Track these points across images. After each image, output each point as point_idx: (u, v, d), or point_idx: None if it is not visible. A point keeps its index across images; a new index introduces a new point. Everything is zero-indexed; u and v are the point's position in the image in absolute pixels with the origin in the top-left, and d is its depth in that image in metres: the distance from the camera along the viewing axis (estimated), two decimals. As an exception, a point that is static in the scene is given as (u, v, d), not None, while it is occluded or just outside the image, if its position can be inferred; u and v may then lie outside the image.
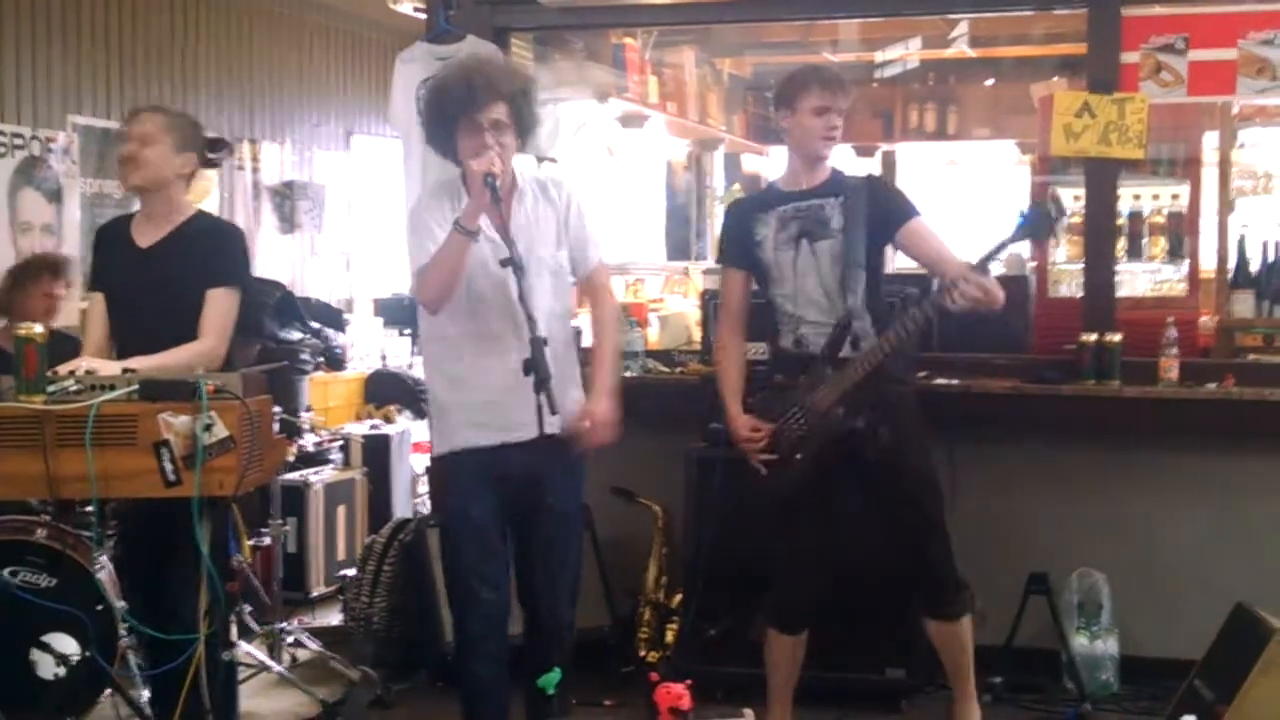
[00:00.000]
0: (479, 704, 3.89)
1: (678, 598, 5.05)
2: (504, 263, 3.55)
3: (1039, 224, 3.79)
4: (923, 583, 4.13)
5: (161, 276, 3.93)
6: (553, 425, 3.60)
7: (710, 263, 7.72)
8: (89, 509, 3.93)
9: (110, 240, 4.12)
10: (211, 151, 4.16)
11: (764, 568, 4.25)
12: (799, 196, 4.09)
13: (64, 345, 4.18)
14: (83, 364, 3.68)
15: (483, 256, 3.67)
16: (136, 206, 4.17)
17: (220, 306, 3.92)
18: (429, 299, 3.69)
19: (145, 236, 4.02)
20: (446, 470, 3.88)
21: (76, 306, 6.62)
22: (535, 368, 3.44)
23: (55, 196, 6.67)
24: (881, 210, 4.04)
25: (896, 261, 5.11)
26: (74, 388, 3.54)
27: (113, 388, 3.53)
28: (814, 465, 3.99)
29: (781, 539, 4.16)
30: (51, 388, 3.54)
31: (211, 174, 7.65)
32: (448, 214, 3.70)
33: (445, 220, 3.67)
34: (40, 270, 5.27)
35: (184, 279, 3.91)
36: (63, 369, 3.63)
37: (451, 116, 3.72)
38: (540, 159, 6.03)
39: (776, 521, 4.14)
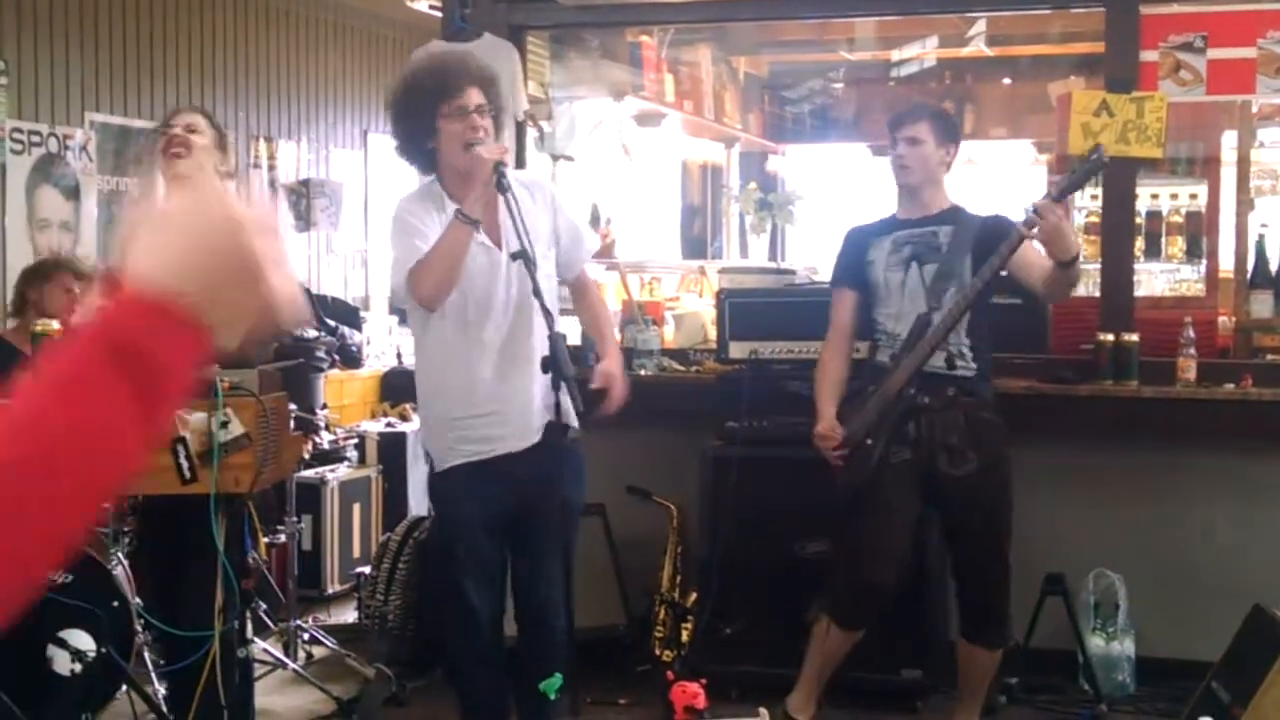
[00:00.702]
0: (478, 714, 3.89)
1: (693, 596, 5.05)
2: (515, 255, 3.49)
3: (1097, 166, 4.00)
4: (974, 610, 4.15)
5: None
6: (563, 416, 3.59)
7: (725, 261, 7.73)
8: (105, 505, 3.95)
9: None
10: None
11: (832, 560, 4.34)
12: (915, 224, 4.20)
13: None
14: None
15: (481, 269, 3.61)
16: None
17: None
18: (427, 294, 3.55)
19: None
20: (444, 482, 3.80)
21: (93, 304, 6.65)
22: (555, 364, 3.40)
23: (73, 194, 6.69)
24: (992, 235, 4.07)
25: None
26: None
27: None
28: (887, 453, 4.04)
29: (847, 533, 4.19)
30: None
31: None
32: (434, 217, 3.62)
33: (432, 222, 3.60)
34: (63, 267, 5.28)
35: None
36: None
37: (430, 108, 3.60)
38: (557, 158, 6.03)
39: (850, 516, 4.16)
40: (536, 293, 3.48)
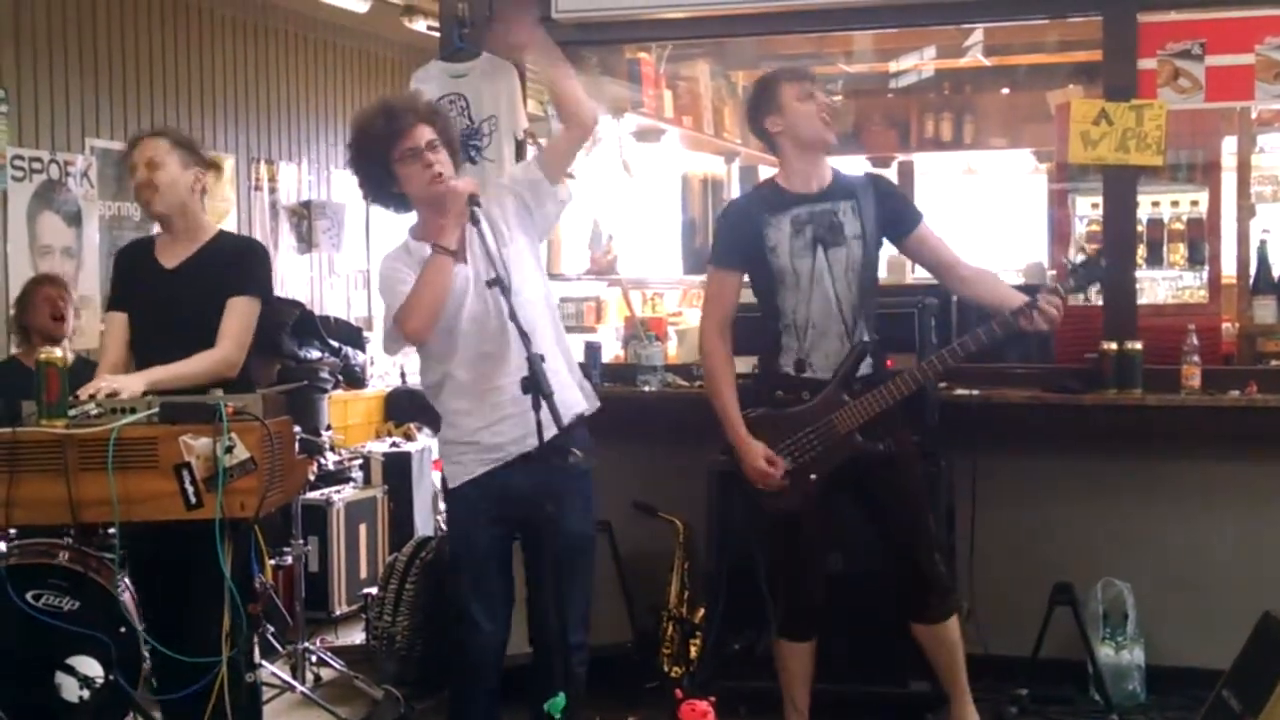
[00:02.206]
0: None
1: (700, 612, 5.04)
2: (490, 283, 3.54)
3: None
4: (909, 586, 4.09)
5: (189, 297, 3.95)
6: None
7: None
8: (111, 531, 3.94)
9: (133, 261, 4.12)
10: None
11: (770, 579, 4.22)
12: (810, 200, 4.02)
13: (87, 371, 4.19)
14: (103, 384, 3.68)
15: (459, 291, 3.68)
16: (154, 228, 4.18)
17: (239, 314, 3.93)
18: (414, 328, 3.64)
19: (170, 257, 4.04)
20: (453, 502, 3.90)
21: (96, 329, 6.66)
22: (535, 385, 3.40)
23: (74, 219, 6.70)
24: (891, 214, 4.03)
25: (916, 271, 5.09)
26: (95, 411, 3.55)
27: (133, 411, 3.54)
28: (824, 483, 4.00)
29: (784, 549, 4.13)
30: (73, 412, 3.55)
31: (230, 194, 7.70)
32: (407, 262, 3.73)
33: (409, 268, 3.70)
34: (41, 281, 5.42)
35: (210, 298, 3.93)
36: (84, 390, 3.64)
37: (382, 154, 3.69)
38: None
39: (779, 532, 4.11)
40: (513, 317, 3.51)
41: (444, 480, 4.03)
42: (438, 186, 3.65)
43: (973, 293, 4.11)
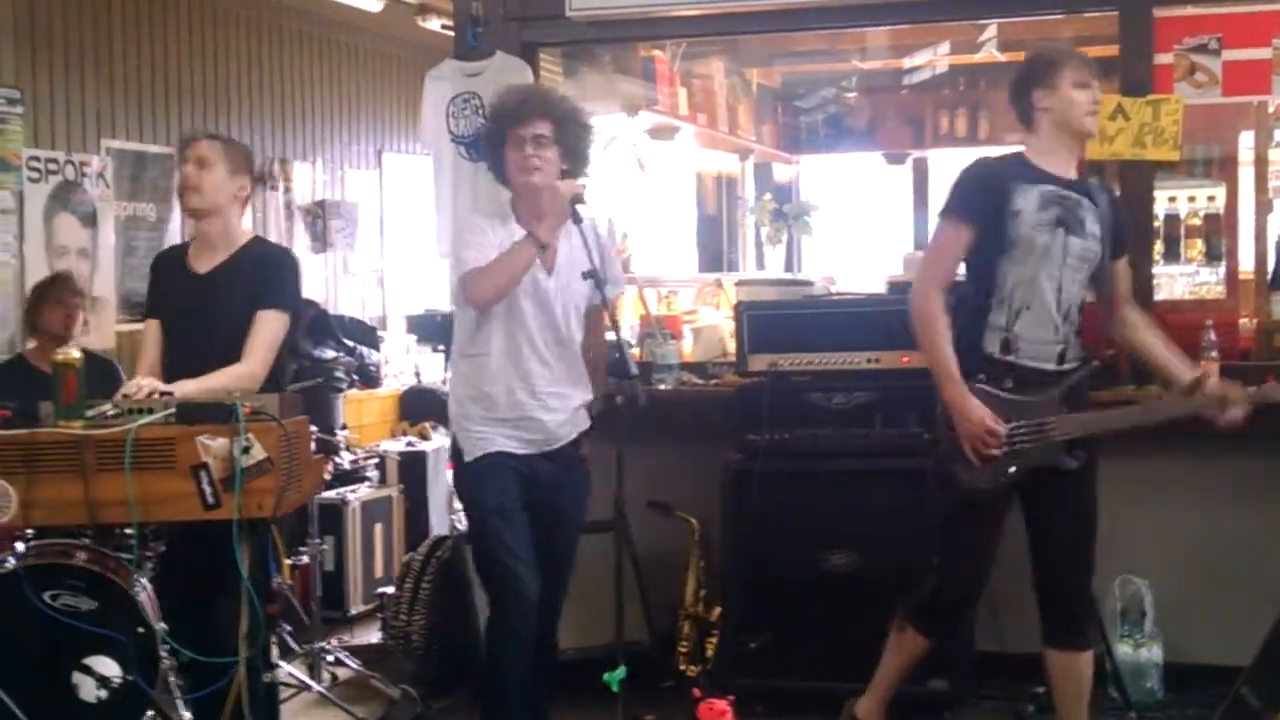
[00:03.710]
0: (509, 709, 3.91)
1: (717, 611, 5.03)
2: (586, 275, 3.80)
3: None
4: (1059, 607, 3.94)
5: (219, 303, 3.96)
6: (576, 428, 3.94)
7: (742, 274, 7.71)
8: (128, 531, 3.95)
9: (167, 267, 4.15)
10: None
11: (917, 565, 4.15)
12: (1061, 183, 3.86)
13: (101, 369, 4.21)
14: (144, 383, 3.70)
15: (528, 288, 3.86)
16: (170, 227, 4.20)
17: (267, 329, 3.93)
18: (483, 297, 3.81)
19: (202, 263, 4.04)
20: (480, 469, 3.92)
21: (112, 330, 6.68)
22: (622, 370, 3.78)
23: (90, 220, 6.72)
24: (1118, 231, 3.96)
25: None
26: (112, 412, 3.56)
27: (150, 411, 3.55)
28: (1013, 480, 3.86)
29: (952, 538, 3.99)
30: (90, 412, 3.56)
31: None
32: (497, 229, 3.88)
33: (490, 230, 3.88)
34: (59, 284, 5.49)
35: (241, 305, 3.94)
36: (130, 387, 3.67)
37: (500, 132, 3.90)
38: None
39: (952, 518, 3.96)
40: (605, 303, 3.89)
41: (456, 451, 4.04)
42: (523, 177, 3.86)
43: (1137, 340, 4.03)
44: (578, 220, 3.79)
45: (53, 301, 5.34)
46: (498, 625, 3.92)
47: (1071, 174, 3.92)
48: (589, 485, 4.08)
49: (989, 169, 3.98)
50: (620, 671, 3.69)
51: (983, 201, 3.85)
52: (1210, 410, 3.81)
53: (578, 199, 3.80)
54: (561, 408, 3.94)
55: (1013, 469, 3.82)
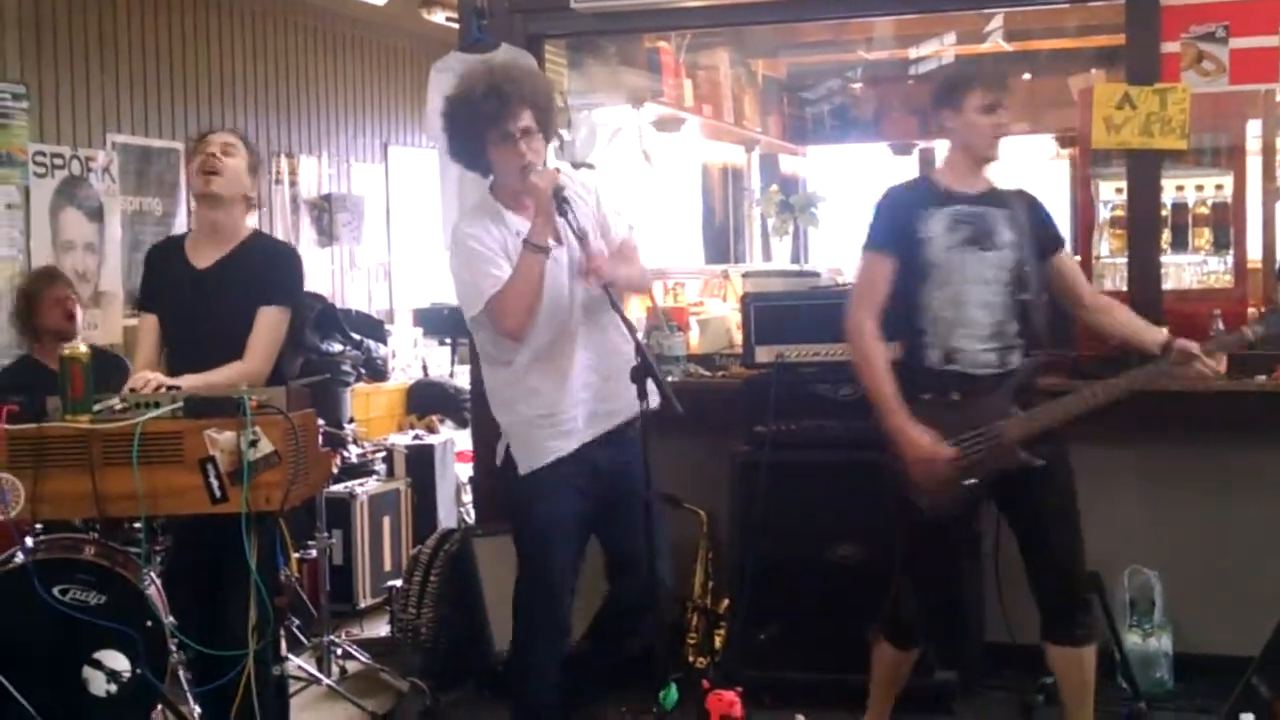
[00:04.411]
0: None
1: (725, 603, 5.03)
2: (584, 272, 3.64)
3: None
4: (1059, 604, 3.92)
5: (218, 298, 3.92)
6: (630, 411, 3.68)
7: (749, 265, 7.70)
8: (137, 525, 3.95)
9: (164, 261, 4.08)
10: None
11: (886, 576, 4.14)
12: (969, 200, 3.93)
13: (108, 364, 4.20)
14: (150, 377, 3.69)
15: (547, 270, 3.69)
16: (176, 222, 4.18)
17: (269, 326, 3.91)
18: (514, 327, 3.64)
19: (202, 257, 4.00)
20: (533, 483, 3.78)
21: (119, 324, 6.68)
22: (648, 371, 3.52)
23: (96, 215, 6.71)
24: (1041, 231, 3.97)
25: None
26: (119, 406, 3.56)
27: (158, 405, 3.55)
28: (977, 492, 3.87)
29: (920, 557, 4.00)
30: (97, 407, 3.56)
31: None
32: (493, 233, 3.70)
33: (494, 240, 3.68)
34: (53, 280, 5.28)
35: (241, 300, 3.90)
36: (137, 380, 3.65)
37: (480, 129, 3.69)
38: (577, 165, 6.03)
39: (915, 538, 3.96)
40: (615, 307, 3.63)
41: (509, 461, 3.87)
42: (526, 179, 3.64)
43: (1107, 323, 4.04)
44: (564, 213, 3.59)
45: (48, 301, 5.15)
46: (526, 650, 3.89)
47: (981, 187, 3.96)
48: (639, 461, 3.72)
49: (897, 199, 4.06)
50: (674, 692, 3.64)
51: (896, 232, 3.94)
52: (1176, 371, 3.83)
53: (559, 190, 3.59)
54: (609, 386, 3.76)
55: (971, 481, 3.83)
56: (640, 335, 3.83)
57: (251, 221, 4.12)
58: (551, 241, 3.67)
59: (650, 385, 3.54)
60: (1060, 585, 3.90)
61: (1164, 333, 3.95)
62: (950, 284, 3.87)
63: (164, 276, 4.04)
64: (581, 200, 3.78)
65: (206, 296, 3.93)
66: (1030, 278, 3.90)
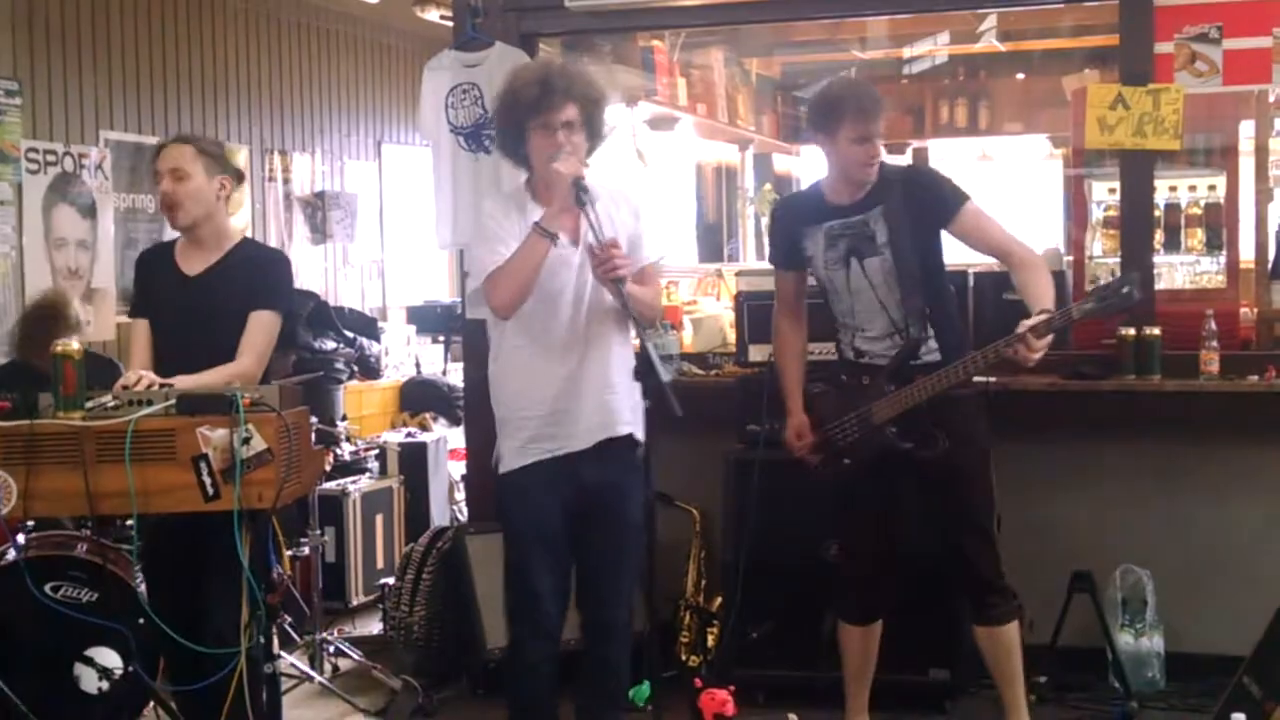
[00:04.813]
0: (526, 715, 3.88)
1: (718, 601, 5.04)
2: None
3: (1118, 301, 3.69)
4: (966, 588, 4.11)
5: (209, 305, 3.91)
6: (624, 427, 3.75)
7: (742, 264, 7.71)
8: (129, 523, 3.94)
9: (154, 267, 4.07)
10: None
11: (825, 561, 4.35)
12: (843, 212, 4.03)
13: (100, 366, 4.18)
14: (142, 375, 3.67)
15: (552, 265, 3.66)
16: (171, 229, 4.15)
17: (261, 328, 3.90)
18: (502, 303, 3.66)
19: (192, 264, 3.99)
20: (513, 483, 3.80)
21: (112, 321, 6.67)
22: (648, 371, 3.51)
23: (89, 212, 6.71)
24: (922, 209, 3.97)
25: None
26: (111, 403, 3.55)
27: (150, 403, 3.54)
28: (864, 468, 4.04)
29: (841, 531, 4.24)
30: (90, 404, 3.55)
31: (243, 187, 7.69)
32: (514, 218, 3.72)
33: (512, 224, 3.69)
34: (50, 321, 5.00)
35: (231, 307, 3.89)
36: (130, 378, 3.64)
37: (523, 119, 3.71)
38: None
39: (836, 514, 4.22)
40: (625, 306, 3.59)
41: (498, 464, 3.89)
42: (550, 165, 3.63)
43: (1015, 282, 4.01)
44: (580, 204, 3.58)
45: (43, 341, 4.87)
46: (514, 647, 3.91)
47: (858, 194, 4.01)
48: (643, 483, 3.83)
49: (785, 213, 4.31)
50: (645, 688, 3.66)
51: (787, 249, 4.18)
52: (1005, 351, 3.75)
53: (579, 181, 3.60)
54: (595, 398, 3.77)
55: (846, 461, 4.07)
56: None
57: (244, 216, 4.10)
58: (565, 238, 3.66)
59: (649, 387, 3.55)
60: (967, 575, 4.07)
61: (1043, 309, 3.74)
62: (841, 299, 4.08)
63: (154, 283, 4.04)
64: (613, 204, 3.77)
65: (198, 304, 3.92)
66: (914, 267, 3.94)
